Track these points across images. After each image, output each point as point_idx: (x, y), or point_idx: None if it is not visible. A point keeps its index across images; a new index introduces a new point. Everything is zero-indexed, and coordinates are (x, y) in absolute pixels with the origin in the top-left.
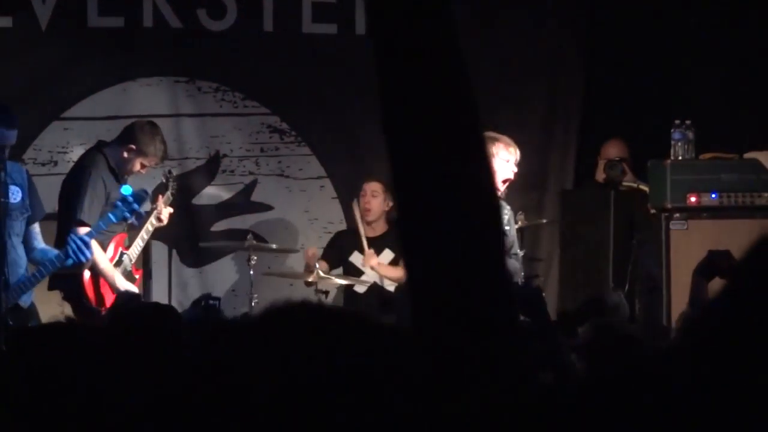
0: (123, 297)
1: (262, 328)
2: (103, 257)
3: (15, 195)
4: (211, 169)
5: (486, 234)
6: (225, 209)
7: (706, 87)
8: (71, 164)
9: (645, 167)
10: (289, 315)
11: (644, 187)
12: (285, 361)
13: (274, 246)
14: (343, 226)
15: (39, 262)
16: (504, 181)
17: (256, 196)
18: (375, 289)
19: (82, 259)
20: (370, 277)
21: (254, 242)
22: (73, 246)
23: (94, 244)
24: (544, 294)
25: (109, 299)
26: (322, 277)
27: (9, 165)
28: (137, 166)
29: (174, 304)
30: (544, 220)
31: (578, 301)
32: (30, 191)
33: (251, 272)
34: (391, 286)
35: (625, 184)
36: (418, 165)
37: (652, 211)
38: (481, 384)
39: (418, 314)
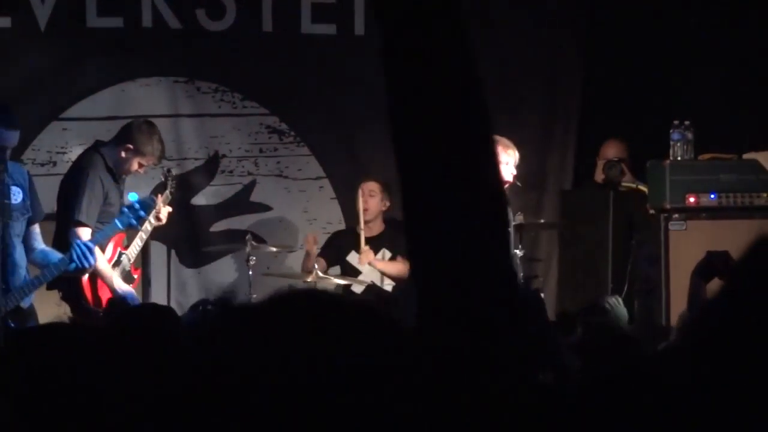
0: (112, 303)
1: (264, 320)
2: (101, 258)
3: (16, 196)
4: (210, 169)
5: (492, 235)
6: (224, 209)
7: (705, 87)
8: (70, 164)
9: (644, 168)
10: (291, 306)
11: (643, 188)
12: (285, 360)
13: (273, 249)
14: (342, 227)
15: (39, 264)
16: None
17: (255, 197)
18: (373, 288)
19: (86, 264)
20: (367, 276)
21: (253, 243)
22: (78, 251)
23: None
24: (542, 294)
25: (107, 300)
26: (321, 277)
27: (10, 165)
28: (135, 166)
29: (173, 304)
30: (542, 221)
31: (577, 303)
32: (31, 192)
33: (250, 272)
34: (388, 286)
35: (624, 184)
36: (425, 165)
37: (651, 211)
38: (482, 384)
39: (422, 313)
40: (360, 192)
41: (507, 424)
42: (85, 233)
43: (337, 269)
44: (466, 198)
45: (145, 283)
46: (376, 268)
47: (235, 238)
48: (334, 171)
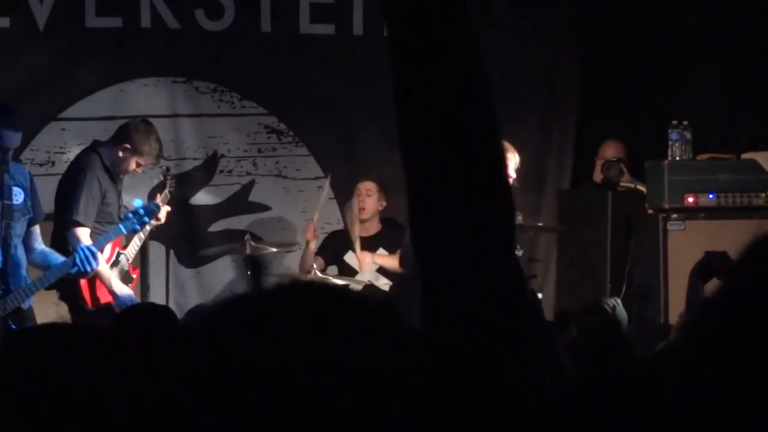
0: (101, 311)
1: (264, 317)
2: (101, 260)
3: (17, 196)
4: (208, 169)
5: (498, 234)
6: (222, 209)
7: (704, 87)
8: (68, 165)
9: (642, 168)
10: (292, 301)
11: (642, 188)
12: (285, 360)
13: (273, 249)
14: (340, 226)
15: (39, 265)
16: None
17: (254, 197)
18: (370, 288)
19: (89, 269)
20: (365, 276)
21: (252, 243)
22: (81, 255)
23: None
24: (541, 295)
25: (105, 300)
26: (320, 277)
27: (12, 166)
28: (132, 166)
29: (171, 304)
30: (541, 224)
31: (576, 303)
32: (32, 193)
33: (249, 273)
34: (386, 286)
35: (622, 184)
36: (431, 165)
37: (650, 211)
38: (483, 384)
39: (426, 312)
40: (356, 191)
41: (508, 424)
42: (83, 233)
43: (334, 269)
44: (471, 197)
45: (144, 283)
46: (377, 263)
47: (234, 238)
48: (333, 171)
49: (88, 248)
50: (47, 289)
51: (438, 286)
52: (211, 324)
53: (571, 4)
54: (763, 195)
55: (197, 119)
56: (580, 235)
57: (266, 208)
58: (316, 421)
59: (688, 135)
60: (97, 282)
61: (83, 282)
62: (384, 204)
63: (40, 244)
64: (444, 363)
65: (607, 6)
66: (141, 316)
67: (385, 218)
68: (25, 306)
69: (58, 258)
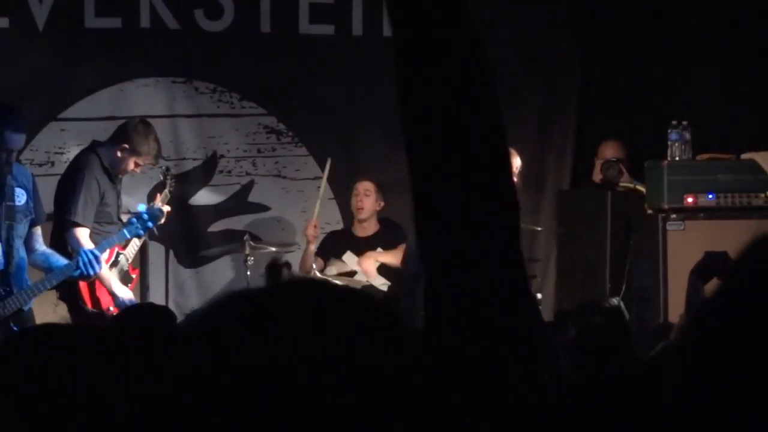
0: (100, 315)
1: (263, 316)
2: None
3: (20, 197)
4: (208, 169)
5: (501, 236)
6: (222, 210)
7: (703, 87)
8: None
9: (642, 168)
10: (291, 299)
11: (641, 188)
12: (286, 359)
13: (273, 249)
14: (340, 227)
15: (40, 266)
16: None
17: (253, 197)
18: (368, 289)
19: (91, 272)
20: (363, 276)
21: (251, 243)
22: (84, 259)
23: (91, 245)
24: (540, 295)
25: (105, 301)
26: (319, 278)
27: (14, 167)
28: (131, 166)
29: (171, 304)
30: (539, 228)
31: (575, 304)
32: (34, 194)
33: (248, 273)
34: (384, 286)
35: (622, 184)
36: (436, 166)
37: (649, 211)
38: (484, 384)
39: (429, 313)
40: (354, 191)
41: (508, 424)
42: (82, 234)
43: (332, 269)
44: (473, 197)
45: (143, 284)
46: (379, 261)
47: (233, 238)
48: (333, 171)
49: (92, 252)
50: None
51: (439, 286)
52: (209, 323)
53: (571, 4)
54: (763, 195)
55: (197, 119)
56: (579, 236)
57: (266, 208)
58: (316, 420)
59: (687, 135)
60: (97, 283)
61: (83, 283)
62: (382, 204)
63: (41, 245)
64: (444, 363)
65: (607, 6)
66: (140, 316)
67: (382, 218)
68: (25, 307)
69: (60, 260)
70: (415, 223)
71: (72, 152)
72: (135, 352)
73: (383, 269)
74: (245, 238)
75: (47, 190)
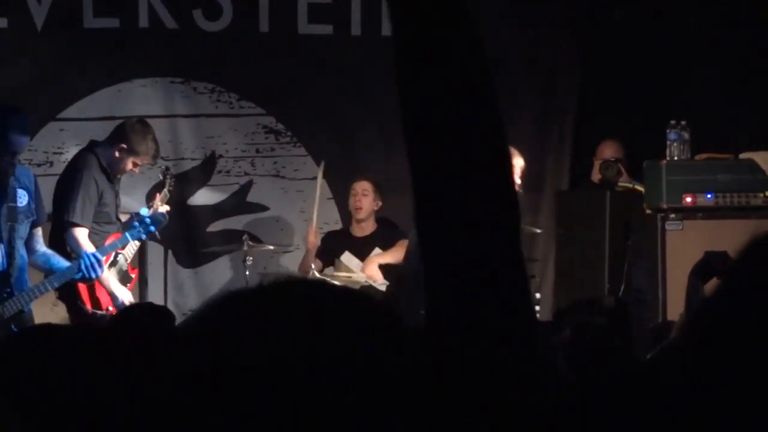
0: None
1: (262, 316)
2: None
3: (21, 199)
4: (206, 169)
5: (501, 236)
6: (221, 210)
7: (702, 88)
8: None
9: (641, 168)
10: (288, 299)
11: (640, 188)
12: (285, 359)
13: (271, 247)
14: (339, 227)
15: (41, 267)
16: None
17: (252, 197)
18: (367, 289)
19: (93, 275)
20: (361, 277)
21: (250, 243)
22: (87, 262)
23: (90, 245)
24: (539, 295)
25: (104, 301)
26: (318, 278)
27: (18, 168)
28: (129, 165)
29: (170, 304)
30: (539, 230)
31: (572, 302)
32: (36, 195)
33: (247, 273)
34: (382, 286)
35: (620, 184)
36: (436, 166)
37: (648, 211)
38: (485, 385)
39: (430, 313)
40: (352, 191)
41: (508, 424)
42: (81, 234)
43: (330, 269)
44: (473, 197)
45: (142, 284)
46: (382, 263)
47: (232, 238)
48: (331, 171)
49: (94, 255)
50: None
51: (439, 285)
52: (208, 323)
53: (571, 4)
54: (761, 195)
55: (195, 119)
56: (578, 236)
57: (264, 208)
58: (316, 420)
59: (686, 135)
60: (96, 283)
61: (82, 283)
62: (379, 204)
63: (42, 246)
64: (444, 363)
65: (607, 6)
66: (139, 316)
67: (380, 218)
68: (26, 309)
69: (61, 261)
70: (416, 223)
71: (71, 152)
72: (134, 352)
73: (383, 269)
74: (244, 238)
75: (46, 190)
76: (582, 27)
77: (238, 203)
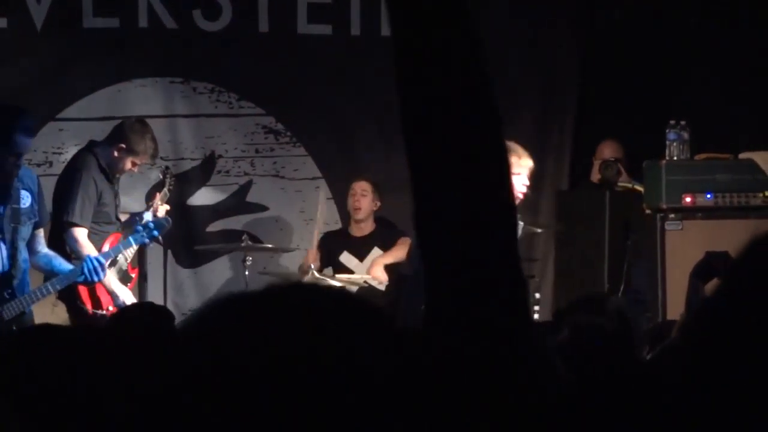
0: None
1: (261, 318)
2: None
3: (25, 200)
4: (206, 169)
5: (500, 236)
6: (220, 210)
7: (702, 87)
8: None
9: (640, 168)
10: (287, 301)
11: (639, 188)
12: (285, 359)
13: (269, 245)
14: (338, 227)
15: (42, 268)
16: (517, 193)
17: (252, 197)
18: (366, 289)
19: (95, 279)
20: (360, 277)
21: (249, 243)
22: (89, 266)
23: (89, 245)
24: (539, 295)
25: (105, 301)
26: (317, 278)
27: (21, 169)
28: (128, 165)
29: (169, 304)
30: (539, 230)
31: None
32: (38, 196)
33: (246, 273)
34: (382, 286)
35: (620, 184)
36: (434, 167)
37: (648, 211)
38: (485, 385)
39: (429, 313)
40: (351, 191)
41: (508, 424)
42: (80, 234)
43: (329, 270)
44: (472, 196)
45: (142, 283)
46: (387, 263)
47: (232, 238)
48: (331, 171)
49: (96, 259)
50: None
51: (439, 285)
52: (208, 323)
53: (571, 4)
54: (761, 195)
55: (195, 119)
56: (578, 235)
57: (264, 208)
58: (316, 420)
59: (685, 135)
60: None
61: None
62: (378, 204)
63: (43, 248)
64: (444, 363)
65: (607, 6)
66: (140, 315)
67: (378, 218)
68: (27, 311)
69: (63, 263)
70: (415, 223)
71: (70, 152)
72: (134, 351)
73: (386, 269)
74: (243, 238)
75: (45, 190)
76: (582, 27)
77: (237, 203)
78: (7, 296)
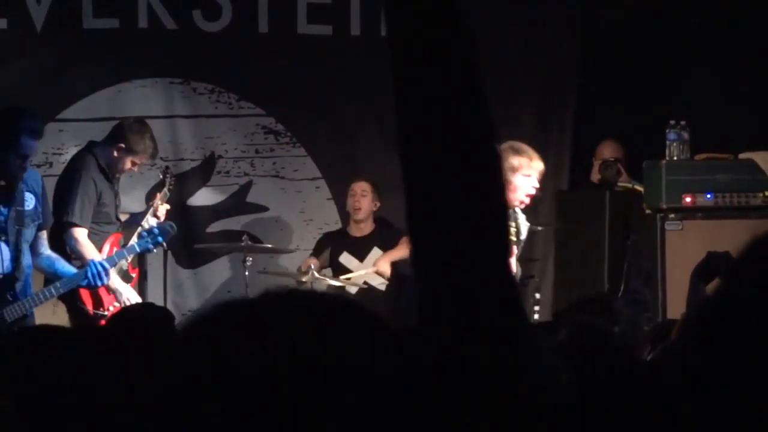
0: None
1: (259, 322)
2: (111, 274)
3: (29, 202)
4: (206, 170)
5: (496, 236)
6: (220, 210)
7: (702, 87)
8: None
9: (640, 168)
10: (286, 305)
11: (639, 188)
12: (285, 360)
13: (269, 246)
14: (338, 227)
15: (45, 270)
16: (527, 195)
17: (251, 197)
18: (366, 290)
19: (99, 284)
20: (360, 277)
21: (249, 243)
22: (93, 270)
23: (90, 245)
24: (538, 295)
25: (106, 301)
26: (317, 278)
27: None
28: (128, 165)
29: (169, 305)
30: (540, 228)
31: (573, 302)
32: (42, 198)
33: (246, 273)
34: (381, 286)
35: (620, 184)
36: (429, 168)
37: (648, 211)
38: (483, 385)
39: (425, 315)
40: (350, 192)
41: (508, 425)
42: (80, 234)
43: (328, 270)
44: (469, 197)
45: (142, 284)
46: (393, 259)
47: (232, 238)
48: (331, 171)
49: (101, 264)
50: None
51: (438, 286)
52: (208, 324)
53: (571, 4)
54: (761, 195)
55: (195, 120)
56: (578, 235)
57: (264, 208)
58: (317, 420)
59: (685, 135)
60: None
61: None
62: (378, 204)
63: (46, 249)
64: (444, 363)
65: (607, 6)
66: (140, 315)
67: (378, 218)
68: (29, 313)
69: (66, 266)
70: (409, 225)
71: (70, 153)
72: (134, 352)
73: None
74: (243, 238)
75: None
76: (582, 27)
77: (237, 204)
78: (10, 298)
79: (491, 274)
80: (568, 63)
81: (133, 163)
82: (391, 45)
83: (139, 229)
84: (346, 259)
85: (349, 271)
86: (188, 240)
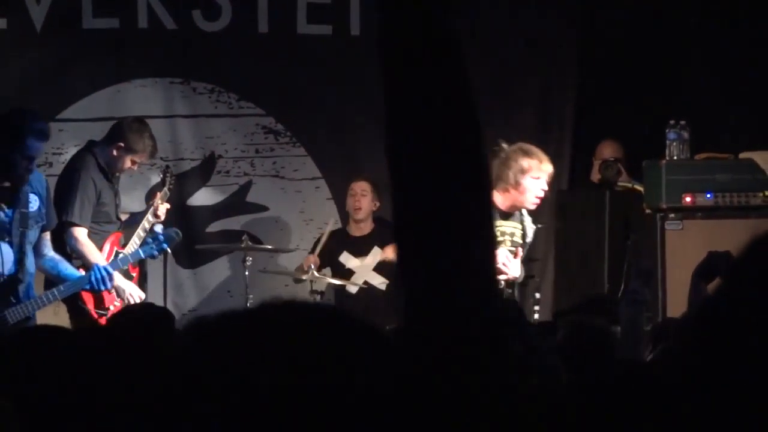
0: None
1: (258, 327)
2: (99, 258)
3: (33, 204)
4: (206, 170)
5: (485, 239)
6: (220, 210)
7: (702, 87)
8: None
9: (640, 167)
10: (284, 315)
11: (639, 188)
12: (284, 362)
13: (269, 246)
14: (338, 227)
15: (49, 272)
16: (536, 198)
17: (251, 197)
18: (366, 289)
19: (102, 288)
20: (360, 277)
21: (249, 243)
22: (97, 275)
23: (90, 245)
24: (538, 295)
25: (107, 300)
26: (317, 277)
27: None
28: (127, 164)
29: (169, 305)
30: (539, 225)
31: (576, 303)
32: (46, 199)
33: (246, 273)
34: (382, 286)
35: (620, 184)
36: (419, 177)
37: (648, 211)
38: (471, 388)
39: (409, 317)
40: (350, 192)
41: (508, 425)
42: (80, 234)
43: (327, 270)
44: (472, 202)
45: (142, 284)
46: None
47: (231, 238)
48: (330, 171)
49: (105, 269)
50: (46, 289)
51: (436, 287)
52: (208, 325)
53: (571, 4)
54: (761, 194)
55: (194, 120)
56: (578, 235)
57: (264, 208)
58: (317, 420)
59: (685, 134)
60: None
61: None
62: (378, 204)
63: (50, 251)
64: (444, 363)
65: (606, 6)
66: (140, 315)
67: (378, 218)
68: (32, 315)
69: (69, 269)
70: (395, 227)
71: (70, 153)
72: (134, 352)
73: (382, 267)
74: (243, 238)
75: None
76: (581, 27)
77: (237, 203)
78: (13, 300)
79: (490, 273)
80: (568, 63)
81: (133, 162)
82: (379, 45)
83: (145, 235)
84: (345, 258)
85: (349, 272)
86: (188, 240)
